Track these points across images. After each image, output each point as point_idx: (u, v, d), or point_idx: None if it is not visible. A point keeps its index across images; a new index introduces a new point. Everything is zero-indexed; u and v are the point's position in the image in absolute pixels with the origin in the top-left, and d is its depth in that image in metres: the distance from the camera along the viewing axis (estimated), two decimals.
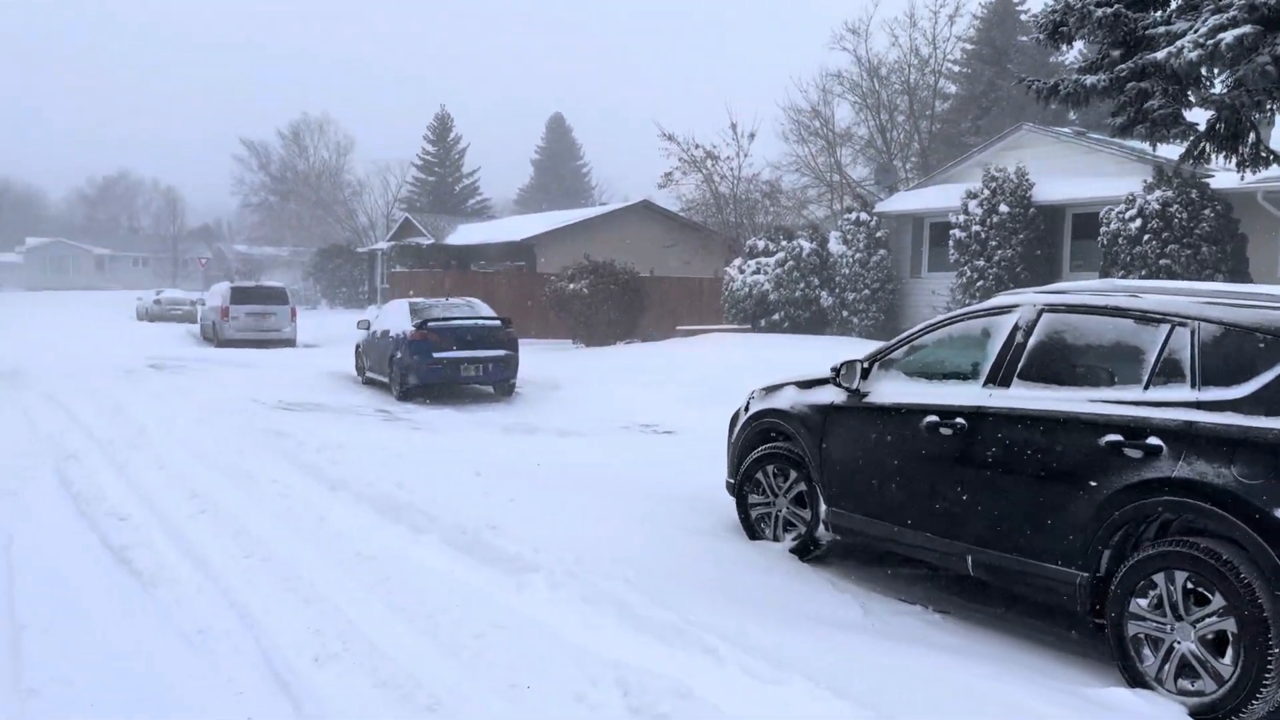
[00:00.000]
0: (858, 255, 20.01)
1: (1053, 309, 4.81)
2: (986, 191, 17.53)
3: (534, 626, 4.44)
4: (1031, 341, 4.79)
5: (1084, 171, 17.13)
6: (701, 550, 5.95)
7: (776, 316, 20.55)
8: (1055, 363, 4.69)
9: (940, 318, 5.62)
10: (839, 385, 5.76)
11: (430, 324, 14.12)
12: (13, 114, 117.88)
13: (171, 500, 7.04)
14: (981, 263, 17.35)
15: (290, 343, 25.67)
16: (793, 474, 6.11)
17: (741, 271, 21.39)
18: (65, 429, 10.29)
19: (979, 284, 17.22)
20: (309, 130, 60.99)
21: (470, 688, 3.85)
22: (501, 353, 14.40)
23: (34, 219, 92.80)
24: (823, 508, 5.84)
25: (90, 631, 4.36)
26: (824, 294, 20.54)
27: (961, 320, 5.41)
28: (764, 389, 6.55)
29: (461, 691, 3.81)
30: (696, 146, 27.84)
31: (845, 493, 5.66)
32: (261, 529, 6.23)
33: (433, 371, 13.93)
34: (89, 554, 5.55)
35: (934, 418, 5.01)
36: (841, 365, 5.77)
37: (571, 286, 21.65)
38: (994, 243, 17.21)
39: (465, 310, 15.26)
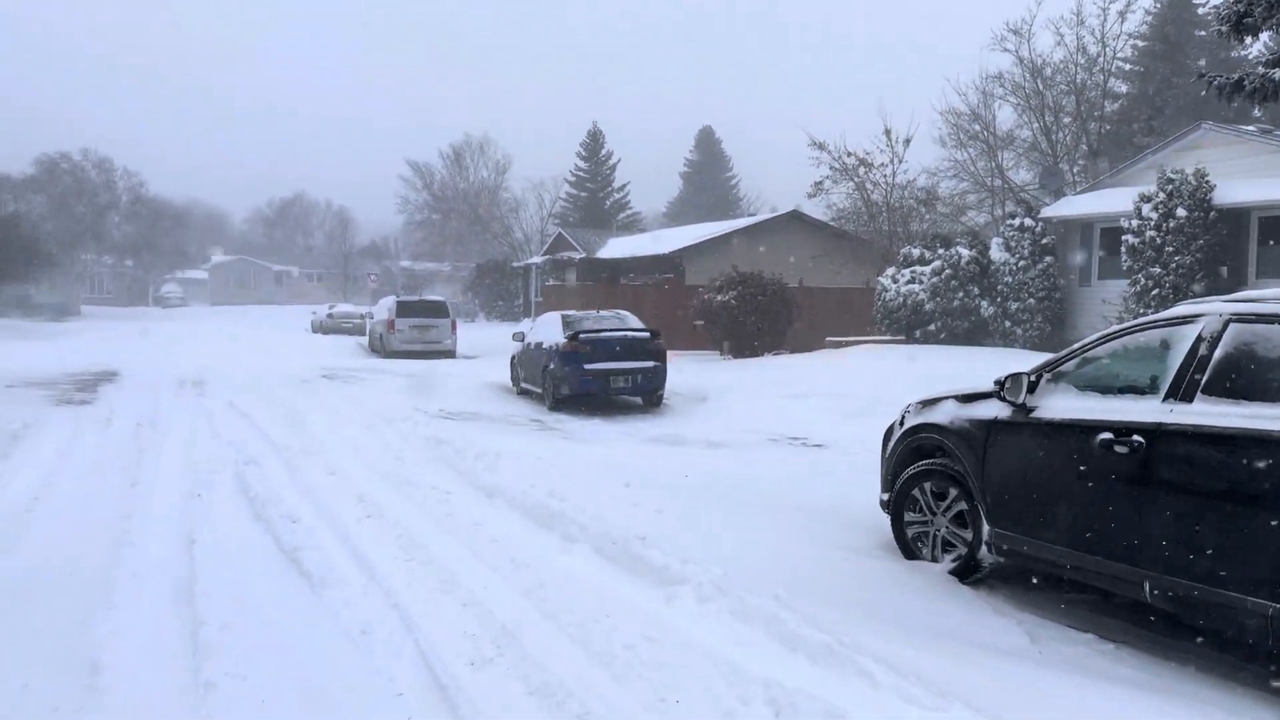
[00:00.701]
0: (1021, 263, 19.17)
1: (1241, 319, 4.44)
2: (1162, 195, 16.47)
3: (683, 640, 4.41)
4: (1217, 354, 4.44)
5: (1271, 172, 15.84)
6: (855, 568, 5.79)
7: (932, 327, 19.91)
8: (1244, 377, 4.33)
9: (1115, 328, 5.29)
10: (1003, 399, 5.50)
11: (582, 336, 14.37)
12: (202, 142, 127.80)
13: (340, 504, 7.39)
14: (1157, 270, 16.31)
15: (451, 354, 26.65)
16: (952, 492, 5.87)
17: (895, 280, 20.84)
18: (246, 435, 10.97)
19: (1154, 292, 16.18)
20: (470, 150, 63.45)
21: (620, 699, 3.85)
22: (650, 364, 14.51)
23: (219, 238, 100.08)
24: (985, 528, 5.58)
25: (264, 629, 4.61)
26: (984, 303, 19.76)
27: (1138, 331, 5.08)
28: (920, 402, 6.33)
29: (611, 702, 3.81)
30: (848, 154, 27.33)
31: (1009, 513, 5.39)
32: (422, 533, 6.45)
33: (584, 383, 14.16)
34: (264, 555, 5.89)
35: (1108, 435, 4.70)
36: (1006, 378, 5.50)
37: (719, 298, 21.62)
38: (1170, 249, 16.15)
39: (615, 322, 15.46)
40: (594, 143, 65.06)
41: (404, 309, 26.71)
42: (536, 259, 43.27)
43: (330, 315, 42.19)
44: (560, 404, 14.52)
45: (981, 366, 14.59)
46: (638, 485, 7.87)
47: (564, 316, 15.58)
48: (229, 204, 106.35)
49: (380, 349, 27.23)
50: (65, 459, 9.15)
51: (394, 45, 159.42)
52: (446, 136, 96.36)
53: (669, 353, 15.63)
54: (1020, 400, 5.39)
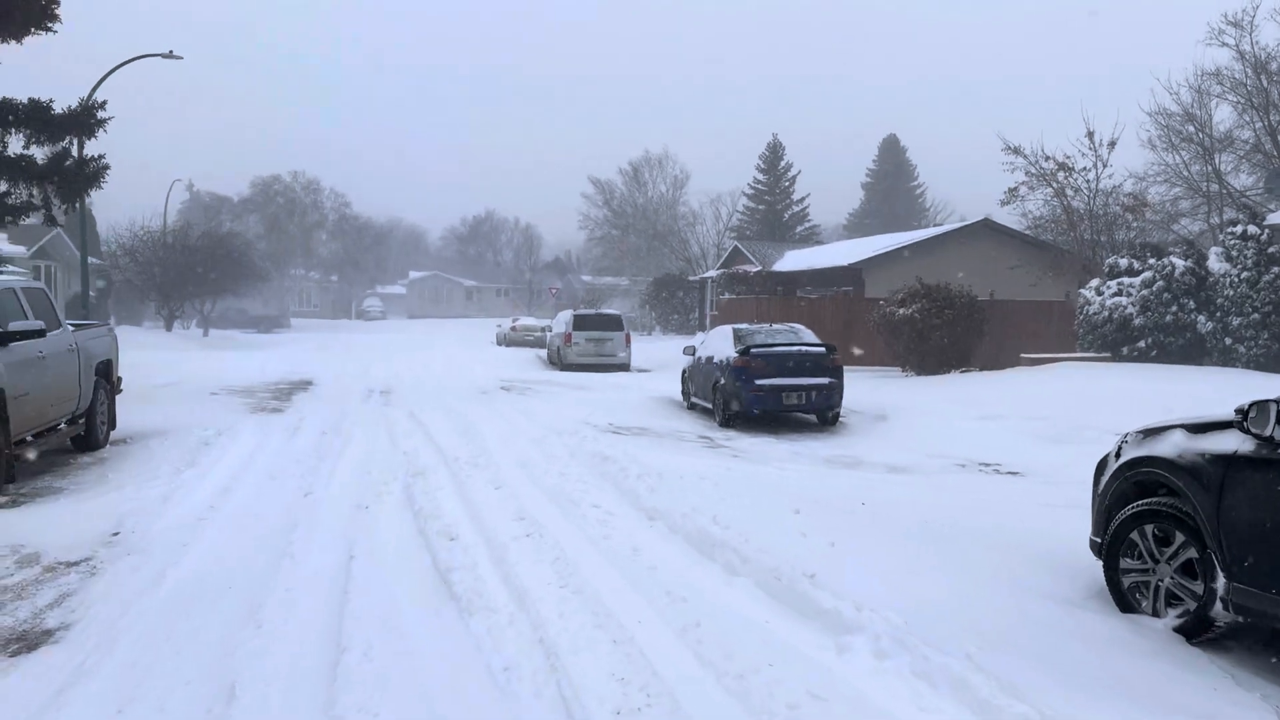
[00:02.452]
0: (1245, 274, 17.21)
1: None
2: None
3: (856, 701, 3.86)
4: None
5: None
6: (1060, 622, 5.03)
7: (1141, 344, 18.17)
8: None
9: None
10: (1246, 431, 4.63)
11: (753, 350, 13.86)
12: (403, 165, 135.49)
13: (500, 521, 7.21)
14: None
15: (625, 367, 26.71)
16: (1178, 537, 5.02)
17: (1099, 293, 19.18)
18: (420, 446, 11.09)
19: None
20: (649, 166, 64.21)
21: None
22: (825, 380, 13.82)
23: (417, 255, 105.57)
24: (1220, 581, 4.71)
25: (405, 658, 4.38)
26: (1201, 318, 17.87)
27: None
28: (1141, 432, 5.48)
29: None
30: (1046, 158, 25.54)
31: (1253, 565, 4.52)
32: (578, 557, 6.15)
33: (755, 399, 13.64)
34: (419, 574, 5.72)
35: None
36: (1250, 406, 4.63)
37: (901, 311, 20.55)
38: None
39: (789, 336, 14.85)
40: (773, 155, 64.33)
41: (580, 323, 26.99)
42: (712, 273, 42.99)
43: (513, 328, 43.38)
44: (730, 420, 14.04)
45: (1203, 390, 13.08)
46: (809, 512, 7.29)
47: (735, 330, 15.10)
48: (427, 222, 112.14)
49: (557, 361, 27.62)
50: (247, 467, 9.47)
51: (579, 63, 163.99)
52: (628, 154, 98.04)
53: (847, 369, 14.88)
54: (1268, 432, 4.52)
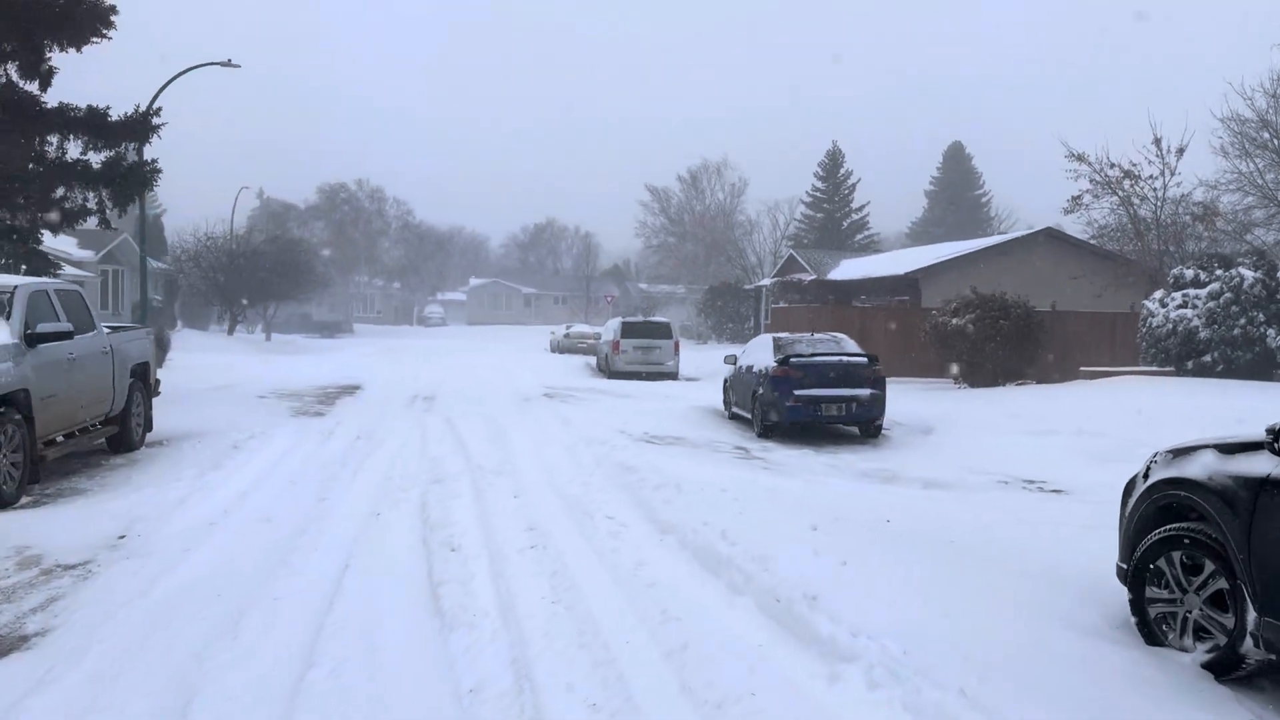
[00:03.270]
0: None
1: None
2: None
3: None
4: None
5: None
6: (1078, 654, 4.69)
7: (1207, 358, 17.40)
8: None
9: None
10: (1278, 453, 4.27)
11: (792, 360, 13.55)
12: (467, 173, 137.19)
13: (509, 531, 7.07)
14: None
15: (673, 375, 26.49)
16: (1207, 565, 4.65)
17: (1163, 305, 18.44)
18: (448, 453, 11.02)
19: None
20: (707, 174, 63.96)
21: None
22: (866, 392, 13.44)
23: (478, 262, 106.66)
24: (1250, 615, 4.35)
25: (373, 678, 4.22)
26: (1271, 332, 17.05)
27: None
28: (1171, 451, 5.12)
29: None
30: (1111, 165, 24.71)
31: None
32: (579, 570, 5.97)
33: (793, 409, 13.32)
34: (410, 586, 5.58)
35: None
36: None
37: (954, 321, 19.99)
38: None
39: (830, 346, 14.49)
40: (832, 162, 63.58)
41: (628, 330, 26.84)
42: (766, 281, 42.60)
43: (567, 335, 43.43)
44: (769, 431, 13.74)
45: (1272, 407, 12.42)
46: (827, 529, 7.00)
47: (775, 339, 14.80)
48: (488, 229, 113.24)
49: (605, 369, 27.51)
50: (272, 471, 9.48)
51: (641, 71, 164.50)
52: (686, 161, 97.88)
53: (899, 380, 14.48)
54: None
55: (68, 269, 29.06)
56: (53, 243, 26.57)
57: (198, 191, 66.94)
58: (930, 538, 7.11)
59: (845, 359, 13.87)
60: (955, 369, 20.46)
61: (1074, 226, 28.89)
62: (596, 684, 4.18)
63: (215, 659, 4.37)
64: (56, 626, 4.80)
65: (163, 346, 26.15)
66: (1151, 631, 4.95)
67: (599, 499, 8.32)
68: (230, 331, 44.58)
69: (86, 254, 32.17)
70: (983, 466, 11.26)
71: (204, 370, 23.91)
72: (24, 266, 15.30)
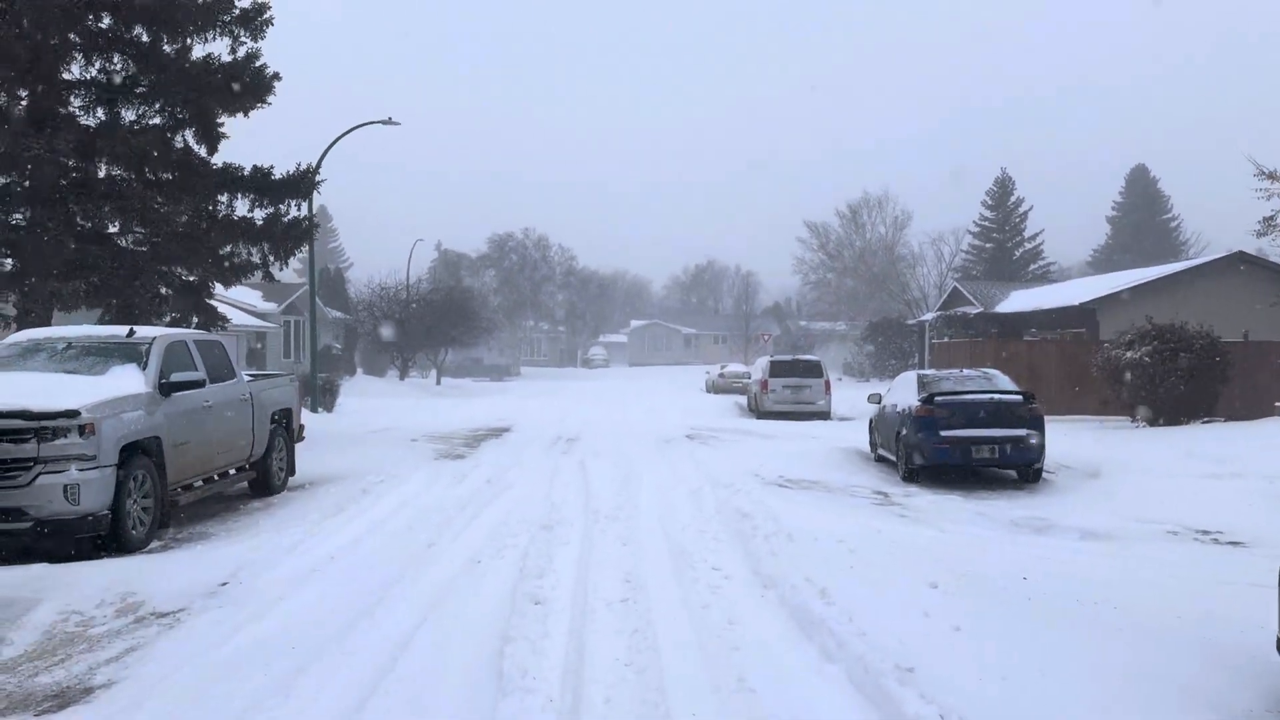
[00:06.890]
0: None
1: None
2: None
3: None
4: None
5: None
6: None
7: None
8: None
9: None
10: None
11: (937, 399, 12.69)
12: (630, 220, 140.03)
13: (604, 582, 6.76)
14: None
15: (825, 415, 25.64)
16: None
17: None
18: (571, 498, 10.83)
19: None
20: (867, 208, 62.50)
21: None
22: (1021, 432, 12.39)
23: (641, 304, 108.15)
24: None
25: None
26: None
27: None
28: None
29: None
30: None
31: None
32: (663, 628, 5.59)
33: (939, 451, 12.44)
34: (479, 644, 5.31)
35: None
36: None
37: (1128, 354, 18.37)
38: None
39: (980, 383, 13.52)
40: (1002, 190, 60.92)
41: (777, 369, 26.23)
42: (928, 315, 40.93)
43: (721, 375, 43.12)
44: (914, 475, 12.88)
45: None
46: (948, 588, 6.33)
47: (919, 376, 13.97)
48: (651, 273, 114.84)
49: (755, 409, 26.96)
50: (392, 516, 9.52)
51: (798, 110, 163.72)
52: (846, 196, 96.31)
53: (1069, 417, 13.35)
54: None
55: (251, 320, 31.25)
56: (238, 296, 28.63)
57: (383, 245, 71.09)
58: (1071, 598, 6.32)
59: (996, 397, 12.89)
60: (1138, 409, 18.80)
61: (1272, 250, 26.32)
62: None
63: (261, 717, 4.25)
64: (123, 679, 4.81)
65: (331, 392, 27.53)
66: None
67: (709, 548, 7.90)
68: (402, 376, 46.61)
69: (270, 306, 34.39)
70: (1151, 514, 10.12)
71: (368, 414, 24.87)
72: (195, 319, 16.34)
